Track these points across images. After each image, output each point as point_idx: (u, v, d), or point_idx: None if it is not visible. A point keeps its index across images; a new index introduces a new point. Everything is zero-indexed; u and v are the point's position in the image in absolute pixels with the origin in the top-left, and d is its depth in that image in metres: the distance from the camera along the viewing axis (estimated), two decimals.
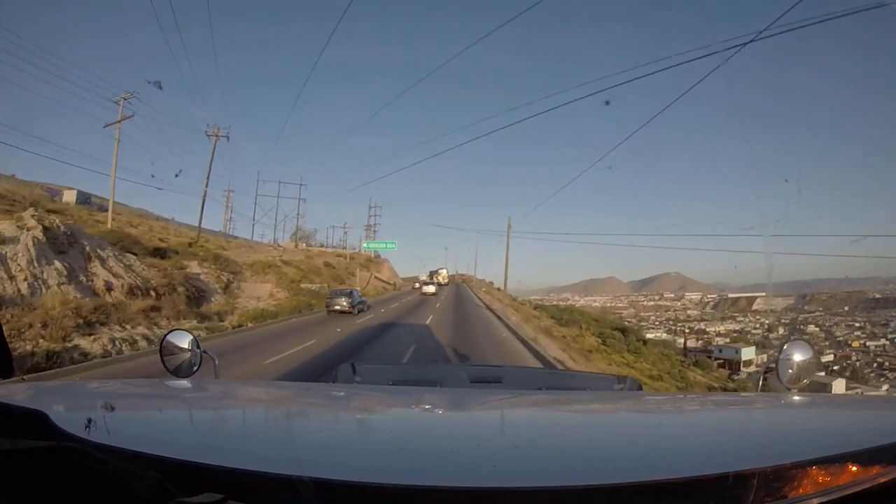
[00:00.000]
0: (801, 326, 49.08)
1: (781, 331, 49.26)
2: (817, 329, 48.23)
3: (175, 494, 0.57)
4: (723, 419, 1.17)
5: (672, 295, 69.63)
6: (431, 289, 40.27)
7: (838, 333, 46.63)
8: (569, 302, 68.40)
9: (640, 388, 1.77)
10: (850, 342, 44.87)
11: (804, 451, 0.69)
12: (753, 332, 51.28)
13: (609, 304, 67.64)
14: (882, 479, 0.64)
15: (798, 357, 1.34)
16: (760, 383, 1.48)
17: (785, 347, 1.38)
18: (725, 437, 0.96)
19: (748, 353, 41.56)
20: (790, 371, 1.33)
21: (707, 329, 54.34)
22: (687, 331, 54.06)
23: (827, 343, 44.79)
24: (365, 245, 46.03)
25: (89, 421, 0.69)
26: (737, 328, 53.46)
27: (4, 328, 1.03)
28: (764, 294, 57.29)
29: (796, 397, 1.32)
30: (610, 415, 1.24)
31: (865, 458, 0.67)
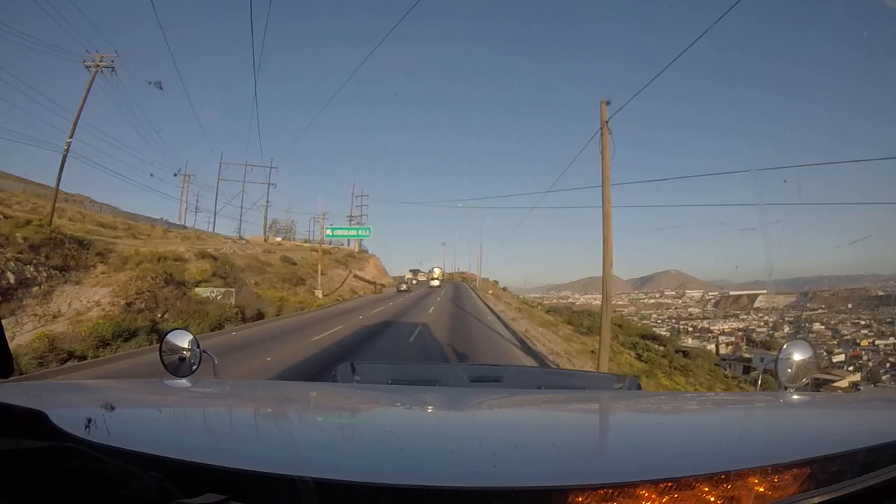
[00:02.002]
0: (807, 325, 48.03)
1: (787, 329, 48.09)
2: (823, 327, 47.00)
3: (175, 495, 0.57)
4: (722, 418, 1.17)
5: (673, 293, 69.47)
6: (436, 283, 52.61)
7: (845, 332, 45.56)
8: (569, 300, 68.18)
9: (639, 388, 1.77)
10: (858, 341, 43.42)
11: (804, 450, 0.69)
12: (758, 330, 50.37)
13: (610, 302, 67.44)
14: (881, 479, 0.64)
15: (798, 356, 1.34)
16: (760, 383, 1.49)
17: (785, 347, 1.38)
18: (725, 437, 0.97)
19: None
20: (790, 370, 1.34)
21: (711, 328, 53.62)
22: (690, 328, 53.17)
23: (835, 342, 43.41)
24: (329, 232, 32.08)
25: (89, 421, 0.69)
26: (741, 326, 52.56)
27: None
28: (765, 291, 57.00)
29: (796, 397, 1.33)
30: (610, 414, 1.24)
31: (865, 457, 0.67)
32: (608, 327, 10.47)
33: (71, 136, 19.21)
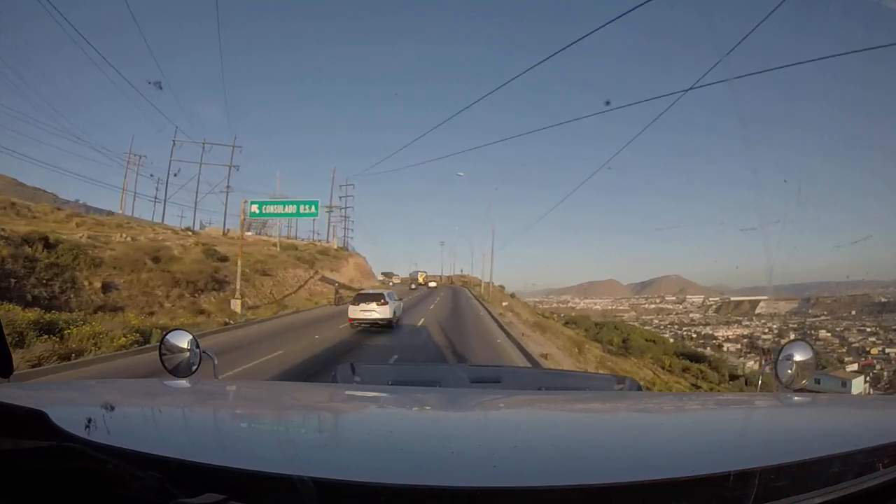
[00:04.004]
0: (812, 332, 47.02)
1: (792, 335, 46.82)
2: (829, 335, 45.82)
3: (175, 494, 0.57)
4: (723, 419, 1.18)
5: (673, 298, 69.06)
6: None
7: (852, 339, 44.38)
8: (568, 304, 67.89)
9: (639, 388, 1.77)
10: (867, 349, 42.12)
11: (804, 450, 0.70)
12: (763, 337, 49.34)
13: (610, 307, 67.08)
14: (882, 479, 0.64)
15: (798, 357, 1.35)
16: (760, 383, 1.49)
17: (785, 347, 1.39)
18: (725, 437, 0.97)
19: (857, 384, 29.30)
20: (790, 371, 1.34)
21: (715, 334, 53.09)
22: (694, 335, 52.36)
23: (844, 350, 42.28)
24: (255, 209, 21.07)
25: (89, 421, 0.69)
26: (745, 333, 51.75)
27: None
28: (766, 297, 56.68)
29: (796, 397, 1.33)
30: (610, 414, 1.24)
31: (865, 457, 0.67)
32: None
33: None
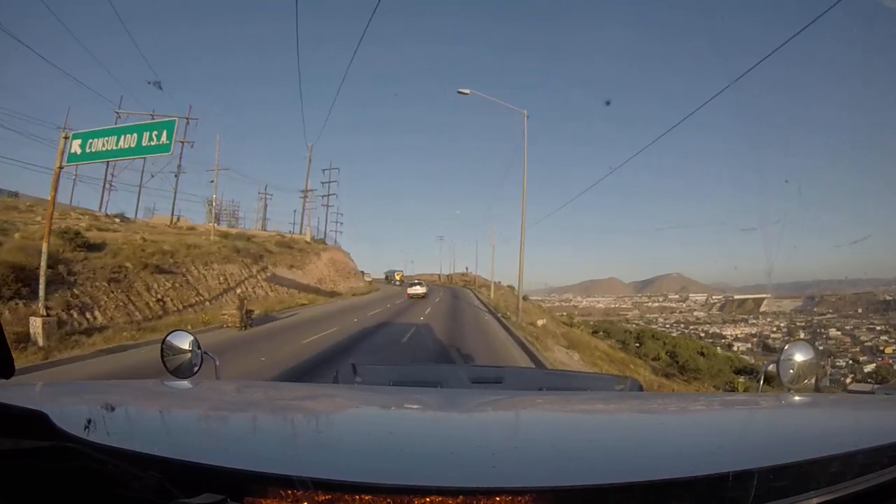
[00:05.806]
0: (822, 330, 45.72)
1: (802, 335, 45.06)
2: (840, 333, 44.57)
3: (175, 495, 0.57)
4: (723, 419, 1.17)
5: (676, 296, 68.63)
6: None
7: (863, 338, 42.86)
8: (571, 303, 67.58)
9: (640, 389, 1.76)
10: (881, 348, 40.44)
11: (804, 450, 0.69)
12: (773, 336, 48.62)
13: (613, 306, 66.80)
14: (881, 479, 0.64)
15: (799, 357, 1.35)
16: (760, 383, 1.48)
17: (787, 348, 1.39)
18: (726, 437, 0.96)
19: None
20: (791, 371, 1.34)
21: (722, 333, 52.43)
22: (702, 334, 51.09)
23: (858, 350, 40.81)
24: (77, 147, 9.62)
25: (89, 421, 0.70)
26: (753, 332, 50.90)
27: None
28: (769, 295, 56.20)
29: (796, 397, 1.33)
30: (611, 415, 1.24)
31: (865, 458, 0.67)
32: None
33: None
